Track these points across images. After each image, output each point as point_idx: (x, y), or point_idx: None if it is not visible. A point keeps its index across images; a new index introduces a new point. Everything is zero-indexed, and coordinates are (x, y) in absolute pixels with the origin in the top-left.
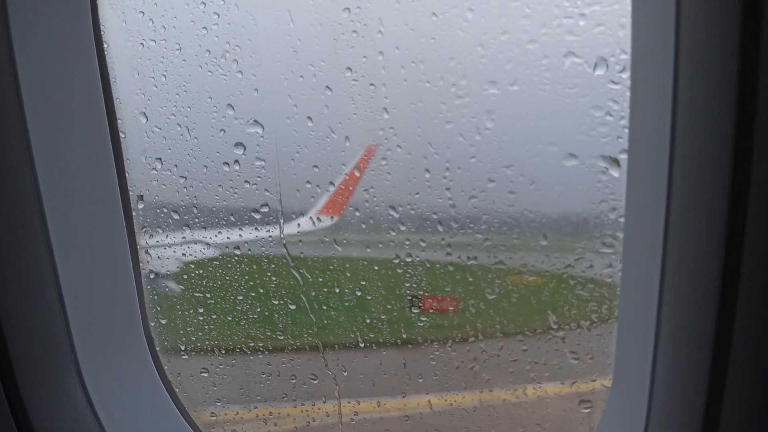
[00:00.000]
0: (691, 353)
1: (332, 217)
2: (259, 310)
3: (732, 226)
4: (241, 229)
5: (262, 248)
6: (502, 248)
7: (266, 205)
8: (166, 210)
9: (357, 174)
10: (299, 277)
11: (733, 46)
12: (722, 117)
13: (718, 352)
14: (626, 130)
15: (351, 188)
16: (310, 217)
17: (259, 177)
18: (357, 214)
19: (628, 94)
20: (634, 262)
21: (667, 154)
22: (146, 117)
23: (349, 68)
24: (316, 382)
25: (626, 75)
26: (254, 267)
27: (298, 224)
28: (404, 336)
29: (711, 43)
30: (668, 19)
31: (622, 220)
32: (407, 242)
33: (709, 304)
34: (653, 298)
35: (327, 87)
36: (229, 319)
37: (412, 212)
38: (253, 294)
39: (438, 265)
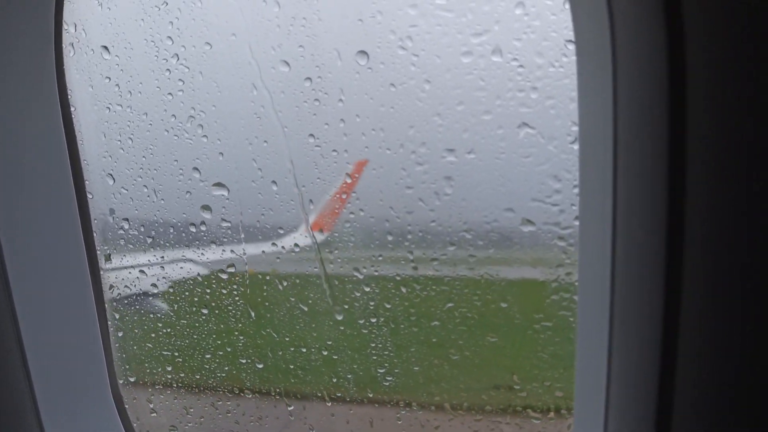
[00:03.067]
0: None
1: (297, 281)
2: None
3: (671, 275)
4: (207, 289)
5: (230, 309)
6: (463, 310)
7: (233, 265)
8: (133, 270)
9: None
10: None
11: (662, 127)
12: (656, 191)
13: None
14: (578, 199)
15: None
16: (276, 279)
17: (225, 238)
18: (322, 275)
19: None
20: (588, 322)
21: (610, 230)
22: (113, 178)
23: (311, 135)
24: None
25: (577, 146)
26: (221, 326)
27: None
28: None
29: (643, 123)
30: (607, 97)
31: (576, 284)
32: (371, 304)
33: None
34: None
35: (290, 152)
36: (197, 377)
37: (376, 273)
38: (220, 353)
39: (402, 326)
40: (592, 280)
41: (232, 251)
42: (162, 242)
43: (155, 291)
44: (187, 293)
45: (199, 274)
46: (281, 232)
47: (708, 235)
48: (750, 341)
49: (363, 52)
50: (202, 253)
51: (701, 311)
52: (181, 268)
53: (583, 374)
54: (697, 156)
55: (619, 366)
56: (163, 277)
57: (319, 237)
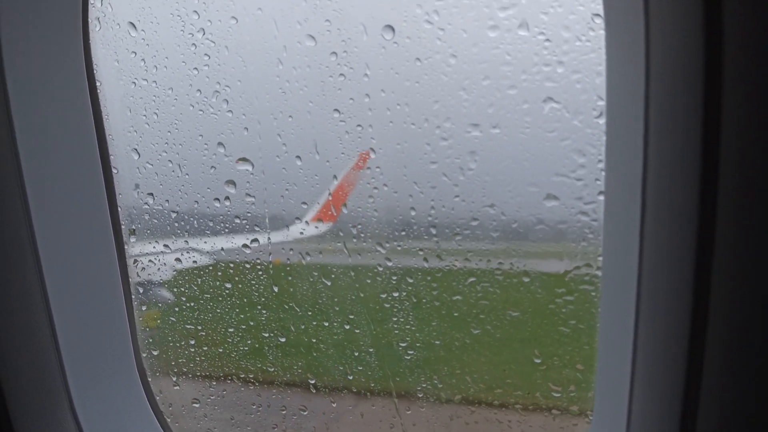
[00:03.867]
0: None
1: (321, 253)
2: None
3: (701, 251)
4: (231, 263)
5: (253, 283)
6: (485, 284)
7: (256, 240)
8: (157, 244)
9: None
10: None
11: (697, 99)
12: (688, 164)
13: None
14: (603, 173)
15: (341, 198)
16: (299, 253)
17: (249, 213)
18: (345, 249)
19: (603, 138)
20: (612, 300)
21: (639, 200)
22: (138, 153)
23: (336, 110)
24: None
25: (602, 121)
26: (245, 300)
27: (288, 259)
28: None
29: (677, 95)
30: (639, 69)
31: (600, 258)
32: (393, 278)
33: (682, 320)
34: (630, 319)
35: (315, 127)
36: (221, 351)
37: (399, 249)
38: (243, 327)
39: (424, 301)
40: (617, 271)
41: (255, 226)
42: (186, 217)
43: (178, 266)
44: (210, 268)
45: (222, 249)
46: (305, 207)
47: (740, 220)
48: None
49: (389, 27)
50: (226, 227)
51: (730, 309)
52: (205, 243)
53: (605, 372)
54: (732, 130)
55: (644, 365)
56: (186, 252)
57: (342, 210)
